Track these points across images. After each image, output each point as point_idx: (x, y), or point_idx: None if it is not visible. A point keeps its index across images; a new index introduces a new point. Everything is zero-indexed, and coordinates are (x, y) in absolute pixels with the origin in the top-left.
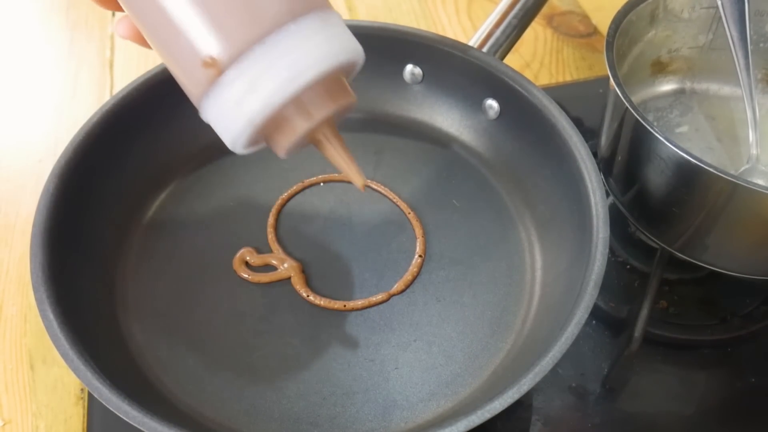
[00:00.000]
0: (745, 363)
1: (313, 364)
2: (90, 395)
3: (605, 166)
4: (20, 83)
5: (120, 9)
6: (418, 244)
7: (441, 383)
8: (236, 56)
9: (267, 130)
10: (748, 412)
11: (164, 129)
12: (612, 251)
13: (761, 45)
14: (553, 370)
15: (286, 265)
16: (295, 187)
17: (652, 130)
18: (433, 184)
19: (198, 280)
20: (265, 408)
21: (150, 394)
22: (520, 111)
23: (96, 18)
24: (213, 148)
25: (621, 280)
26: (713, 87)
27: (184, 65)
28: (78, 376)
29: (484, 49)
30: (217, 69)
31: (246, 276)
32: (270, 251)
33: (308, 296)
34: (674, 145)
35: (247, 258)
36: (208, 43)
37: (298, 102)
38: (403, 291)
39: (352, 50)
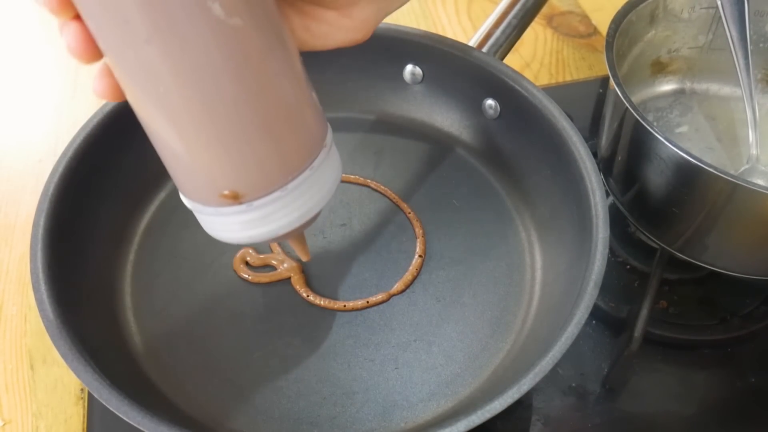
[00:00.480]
0: (745, 363)
1: (313, 364)
2: (90, 395)
3: (605, 166)
4: (20, 83)
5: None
6: (418, 244)
7: (441, 383)
8: (258, 197)
9: None
10: (748, 412)
11: None
12: (612, 251)
13: (761, 45)
14: (553, 370)
15: (286, 265)
16: None
17: (652, 130)
18: (433, 184)
19: (198, 280)
20: (265, 408)
21: (150, 394)
22: (520, 111)
23: None
24: None
25: (621, 280)
26: (713, 87)
27: (194, 185)
28: (78, 376)
29: (484, 49)
30: (233, 200)
31: (246, 276)
32: (270, 251)
33: (308, 296)
34: (674, 145)
35: (247, 258)
36: (232, 181)
37: None
38: (403, 291)
39: (339, 175)
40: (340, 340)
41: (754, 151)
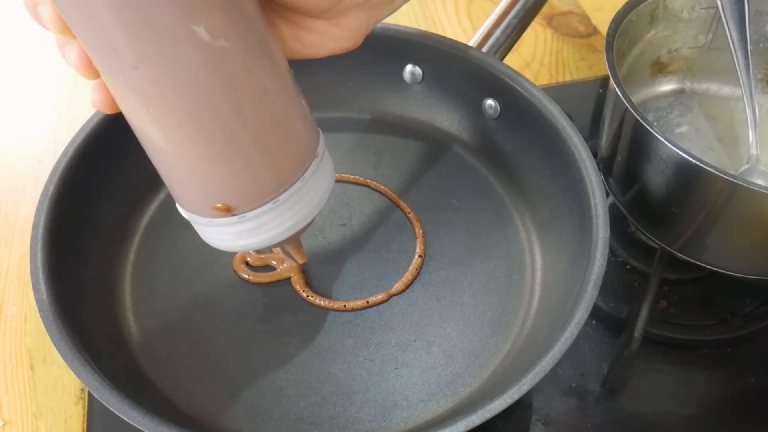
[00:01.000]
0: (745, 363)
1: (313, 364)
2: (90, 395)
3: (605, 166)
4: (20, 83)
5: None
6: (418, 244)
7: (441, 383)
8: (250, 209)
9: None
10: (748, 412)
11: None
12: (612, 251)
13: (761, 45)
14: (553, 370)
15: (285, 265)
16: None
17: (652, 130)
18: (433, 184)
19: (198, 280)
20: (265, 408)
21: (150, 394)
22: (520, 111)
23: None
24: None
25: (621, 280)
26: (713, 87)
27: (187, 198)
28: (78, 376)
29: (484, 49)
30: (226, 213)
31: (246, 276)
32: (270, 251)
33: (308, 296)
34: (674, 145)
35: (247, 258)
36: (224, 195)
37: None
38: (403, 291)
39: (332, 183)
40: (340, 340)
41: (754, 151)
